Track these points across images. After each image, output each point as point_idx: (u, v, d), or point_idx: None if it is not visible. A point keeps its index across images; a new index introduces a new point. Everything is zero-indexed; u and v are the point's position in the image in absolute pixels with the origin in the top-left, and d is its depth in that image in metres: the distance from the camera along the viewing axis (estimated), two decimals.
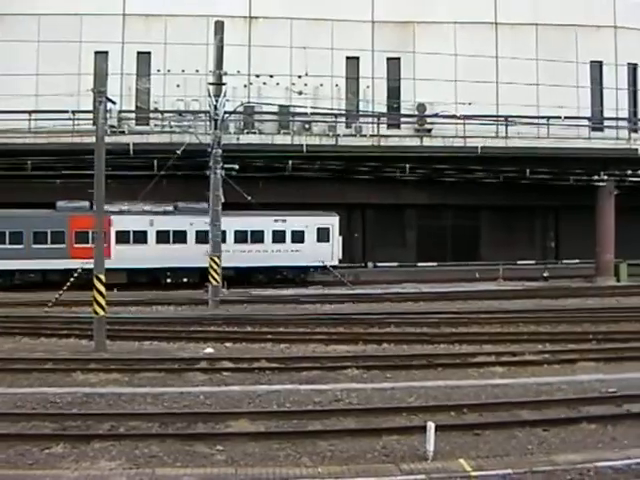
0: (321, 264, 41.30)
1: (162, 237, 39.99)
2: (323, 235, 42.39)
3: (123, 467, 11.86)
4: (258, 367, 19.52)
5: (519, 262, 49.29)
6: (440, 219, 48.24)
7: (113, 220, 38.71)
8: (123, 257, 38.19)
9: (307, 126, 42.23)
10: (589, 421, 14.36)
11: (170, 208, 40.57)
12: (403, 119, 45.27)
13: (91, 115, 35.64)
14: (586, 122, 46.23)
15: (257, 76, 43.20)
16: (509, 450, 12.77)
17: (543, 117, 44.36)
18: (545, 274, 47.35)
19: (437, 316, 29.55)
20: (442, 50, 44.97)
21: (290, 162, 40.17)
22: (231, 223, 39.74)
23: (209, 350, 22.29)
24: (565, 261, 51.43)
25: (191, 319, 29.27)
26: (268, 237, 41.73)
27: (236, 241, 40.84)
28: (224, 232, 38.65)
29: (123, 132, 40.65)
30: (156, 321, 28.11)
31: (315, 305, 33.86)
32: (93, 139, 24.98)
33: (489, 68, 45.62)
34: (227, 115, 36.63)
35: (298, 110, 42.56)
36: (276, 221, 41.83)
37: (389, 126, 44.74)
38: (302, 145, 41.01)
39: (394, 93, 45.73)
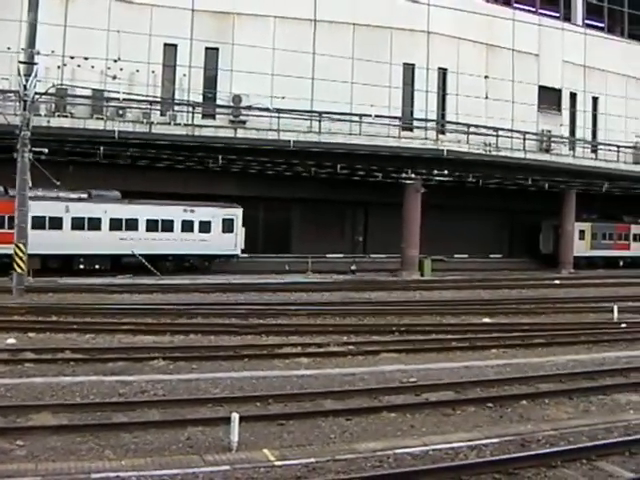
0: (130, 252, 40.74)
1: (77, 223, 40.21)
2: (228, 226, 44.49)
3: None
4: (62, 358, 18.93)
5: (328, 255, 50.35)
6: (252, 211, 48.38)
7: (30, 205, 37.46)
8: (38, 243, 37.08)
9: (121, 112, 41.35)
10: (389, 410, 14.80)
11: (84, 195, 40.59)
12: (218, 110, 45.09)
13: None
14: (397, 122, 47.74)
15: (72, 58, 41.46)
16: (312, 440, 12.98)
17: (356, 115, 45.45)
18: (353, 267, 48.65)
19: (245, 307, 29.66)
20: (261, 43, 45.11)
21: (102, 148, 39.18)
22: (143, 212, 41.99)
23: (11, 340, 21.35)
24: (373, 255, 53.03)
25: None
26: (177, 226, 43.28)
27: (147, 229, 42.19)
28: (136, 220, 41.54)
29: None
30: None
31: (123, 295, 33.21)
32: None
33: (306, 64, 46.15)
34: (38, 96, 35.19)
35: (112, 95, 41.58)
36: (185, 211, 43.53)
37: (204, 116, 44.48)
38: (114, 131, 40.17)
39: (211, 83, 45.51)
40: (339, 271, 47.81)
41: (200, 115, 44.16)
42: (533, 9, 54.89)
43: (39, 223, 38.88)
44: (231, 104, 44.33)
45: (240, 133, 43.25)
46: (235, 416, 12.25)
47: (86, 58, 41.05)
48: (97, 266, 40.87)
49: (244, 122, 44.03)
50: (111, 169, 40.59)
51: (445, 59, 50.16)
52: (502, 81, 52.02)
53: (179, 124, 42.32)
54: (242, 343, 22.16)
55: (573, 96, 56.98)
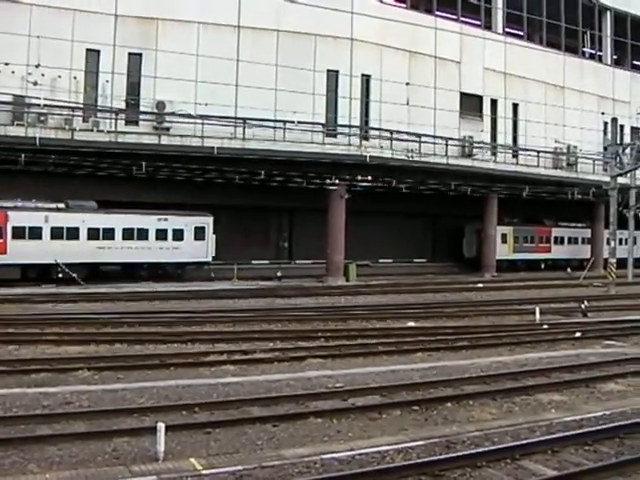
0: (55, 262, 40.19)
1: (56, 233, 40.95)
2: (200, 234, 45.95)
3: None
4: None
5: (254, 262, 50.33)
6: None
7: (10, 216, 39.07)
8: (18, 253, 38.55)
9: (42, 118, 40.62)
10: (316, 415, 14.85)
11: (62, 205, 41.22)
12: (142, 116, 44.59)
13: None
14: (321, 128, 47.95)
15: None
16: (239, 447, 12.95)
17: (280, 121, 45.48)
18: (278, 274, 48.61)
19: (171, 315, 29.49)
20: (184, 49, 44.74)
21: (23, 155, 38.50)
22: (119, 221, 43.14)
23: None
24: (298, 261, 53.18)
25: None
26: (152, 235, 44.35)
27: (124, 238, 43.28)
28: (113, 229, 42.67)
29: None
30: None
31: (47, 305, 32.67)
32: None
33: (230, 70, 45.96)
34: None
35: (34, 101, 40.80)
36: (159, 220, 44.73)
37: (127, 123, 43.89)
38: (35, 138, 39.46)
39: (134, 89, 44.96)
40: (265, 277, 47.87)
41: (123, 122, 43.60)
42: (455, 17, 55.71)
43: (19, 233, 39.63)
44: (155, 110, 43.92)
45: (164, 140, 42.87)
46: (161, 426, 12.17)
47: (6, 63, 40.24)
48: (74, 275, 40.94)
49: (168, 129, 43.65)
50: (33, 177, 39.93)
51: (368, 66, 50.49)
52: (424, 88, 52.70)
53: (102, 131, 41.67)
54: (168, 352, 22.02)
55: (494, 102, 57.95)
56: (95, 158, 39.44)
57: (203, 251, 46.02)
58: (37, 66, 41.01)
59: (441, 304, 36.60)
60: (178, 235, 45.33)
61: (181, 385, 17.12)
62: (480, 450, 12.47)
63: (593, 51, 65.72)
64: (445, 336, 25.48)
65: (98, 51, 43.82)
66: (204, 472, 11.38)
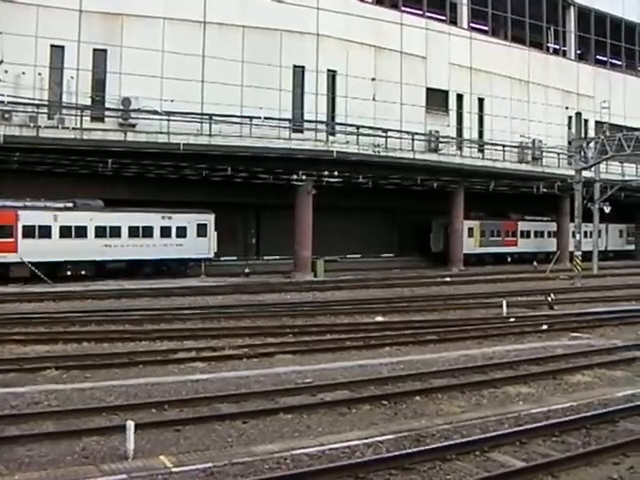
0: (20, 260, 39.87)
1: (65, 231, 41.84)
2: (202, 231, 47.33)
3: None
4: None
5: (222, 258, 50.20)
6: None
7: (20, 215, 39.77)
8: (29, 251, 39.32)
9: (7, 116, 40.21)
10: (286, 411, 14.88)
11: (70, 204, 41.76)
12: (107, 113, 44.24)
13: None
14: (287, 124, 47.87)
15: None
16: (209, 444, 12.94)
17: (246, 117, 45.37)
18: (246, 270, 48.62)
19: (139, 313, 29.31)
20: (150, 45, 44.33)
21: None
22: (125, 219, 44.18)
23: None
24: (266, 257, 53.21)
25: None
26: (157, 232, 45.52)
27: (130, 236, 44.36)
28: (119, 227, 43.74)
29: None
30: None
31: (14, 304, 32.32)
32: None
33: (196, 66, 45.72)
34: None
35: None
36: (163, 218, 45.93)
37: (93, 119, 43.58)
38: (0, 135, 39.07)
39: (99, 86, 44.53)
40: (233, 274, 47.82)
41: (89, 118, 43.26)
42: (420, 12, 55.85)
43: (29, 232, 40.35)
44: (120, 107, 43.58)
45: (130, 136, 42.58)
46: (130, 424, 12.13)
47: None
48: (83, 272, 42.19)
49: (134, 125, 43.34)
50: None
51: (334, 61, 50.46)
52: (390, 83, 52.75)
53: (67, 128, 41.37)
54: (136, 349, 21.90)
55: (460, 97, 58.17)
56: (60, 155, 39.00)
57: (205, 247, 47.27)
58: (0, 62, 40.51)
59: (409, 298, 36.76)
60: (181, 232, 46.56)
61: (150, 383, 17.05)
62: (449, 443, 12.55)
63: (557, 46, 66.20)
64: (413, 330, 25.60)
65: (63, 47, 43.33)
66: (174, 470, 11.34)
